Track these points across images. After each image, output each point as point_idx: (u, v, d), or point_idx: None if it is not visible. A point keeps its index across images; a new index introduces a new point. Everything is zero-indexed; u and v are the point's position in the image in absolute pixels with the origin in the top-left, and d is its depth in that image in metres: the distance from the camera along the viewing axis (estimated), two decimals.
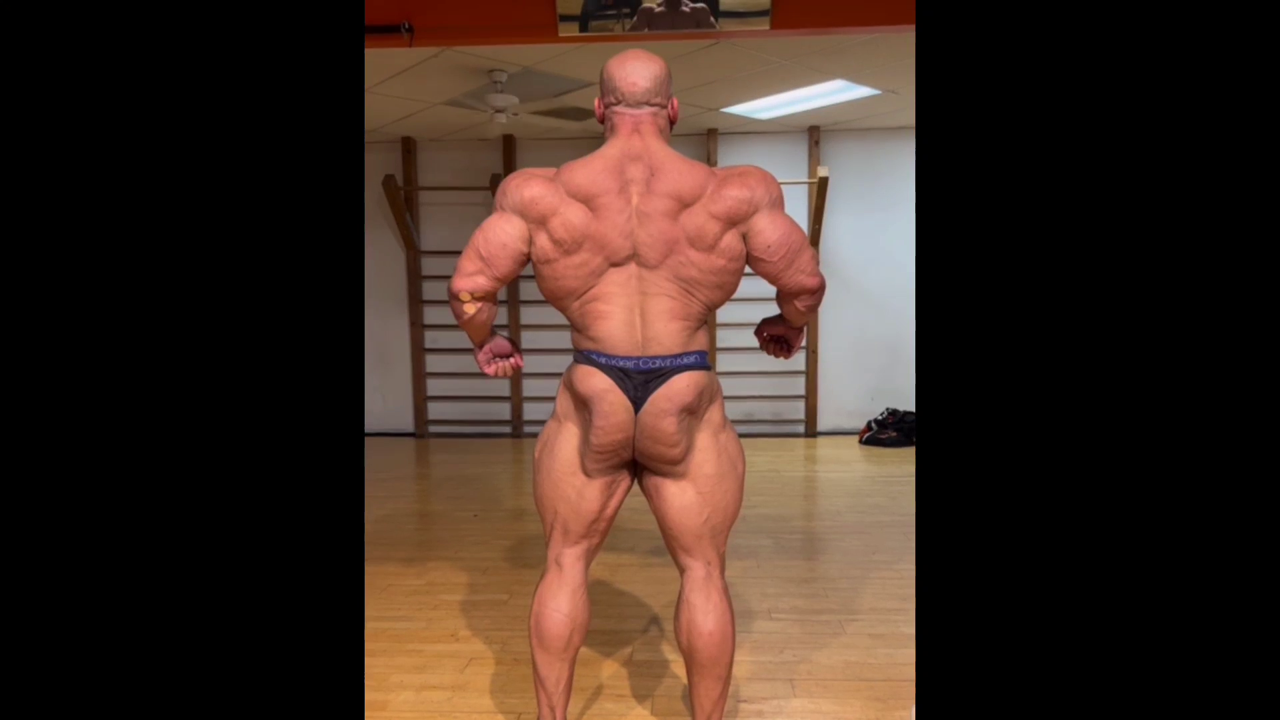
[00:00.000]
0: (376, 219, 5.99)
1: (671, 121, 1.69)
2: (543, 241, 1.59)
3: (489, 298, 1.67)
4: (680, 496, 1.70)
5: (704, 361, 1.68)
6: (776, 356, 1.94)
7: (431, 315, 6.11)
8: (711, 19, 3.20)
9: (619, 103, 1.63)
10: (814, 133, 5.68)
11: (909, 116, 5.26)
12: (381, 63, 3.97)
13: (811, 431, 5.92)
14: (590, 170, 1.58)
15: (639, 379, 1.61)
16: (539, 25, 3.32)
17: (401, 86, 4.41)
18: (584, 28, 3.32)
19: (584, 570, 1.77)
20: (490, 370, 1.82)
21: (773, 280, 1.67)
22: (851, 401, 5.95)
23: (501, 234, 1.60)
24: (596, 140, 5.79)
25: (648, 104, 1.63)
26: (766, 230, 1.62)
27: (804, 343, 5.79)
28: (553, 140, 5.81)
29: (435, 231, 6.06)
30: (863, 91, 4.66)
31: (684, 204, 1.57)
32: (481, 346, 1.82)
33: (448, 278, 6.32)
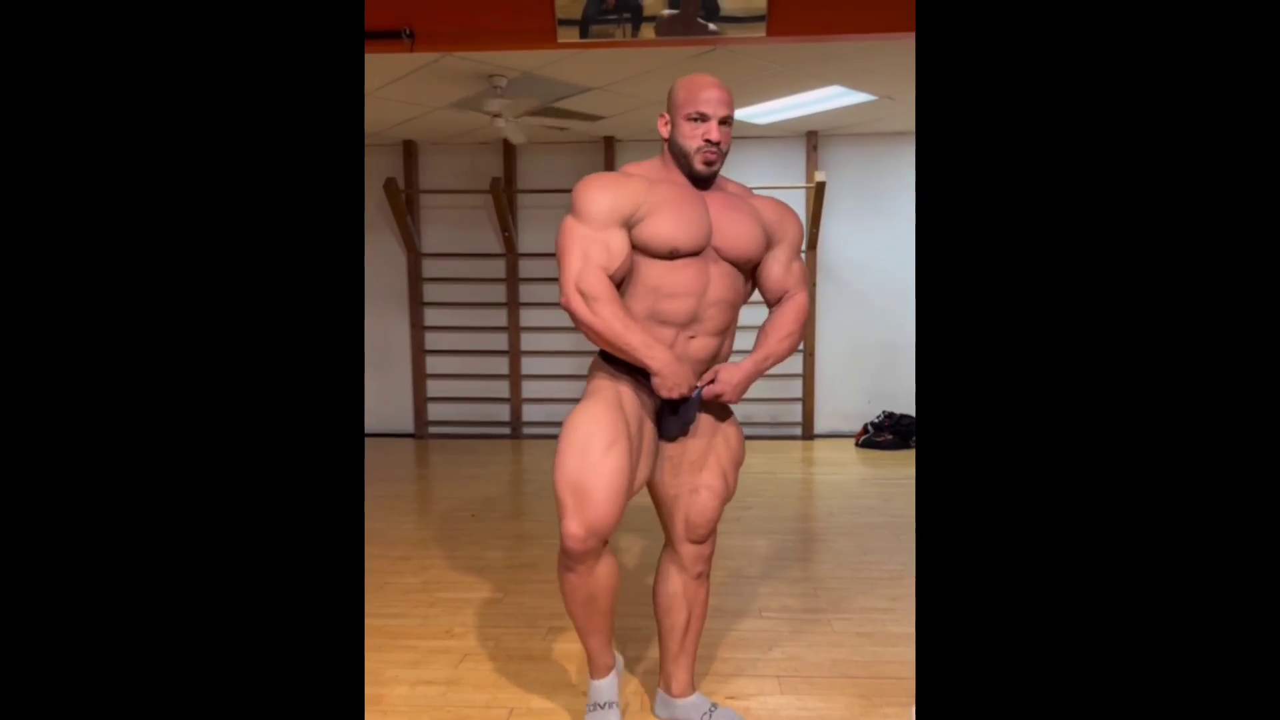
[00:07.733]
0: (378, 221, 6.03)
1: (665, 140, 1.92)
2: None
3: None
4: None
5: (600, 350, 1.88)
6: None
7: (432, 317, 6.15)
8: (710, 25, 3.23)
9: None
10: (812, 138, 5.72)
11: (905, 122, 5.29)
12: (383, 67, 4.01)
13: (809, 434, 5.96)
14: None
15: None
16: (538, 31, 3.36)
17: (403, 90, 4.45)
18: (584, 34, 3.34)
19: None
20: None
21: None
22: (848, 404, 5.98)
23: None
24: (596, 145, 5.83)
25: None
26: None
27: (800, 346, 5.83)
28: (552, 145, 5.85)
29: (436, 234, 6.10)
30: (859, 97, 4.70)
31: None
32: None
33: (448, 280, 6.25)
